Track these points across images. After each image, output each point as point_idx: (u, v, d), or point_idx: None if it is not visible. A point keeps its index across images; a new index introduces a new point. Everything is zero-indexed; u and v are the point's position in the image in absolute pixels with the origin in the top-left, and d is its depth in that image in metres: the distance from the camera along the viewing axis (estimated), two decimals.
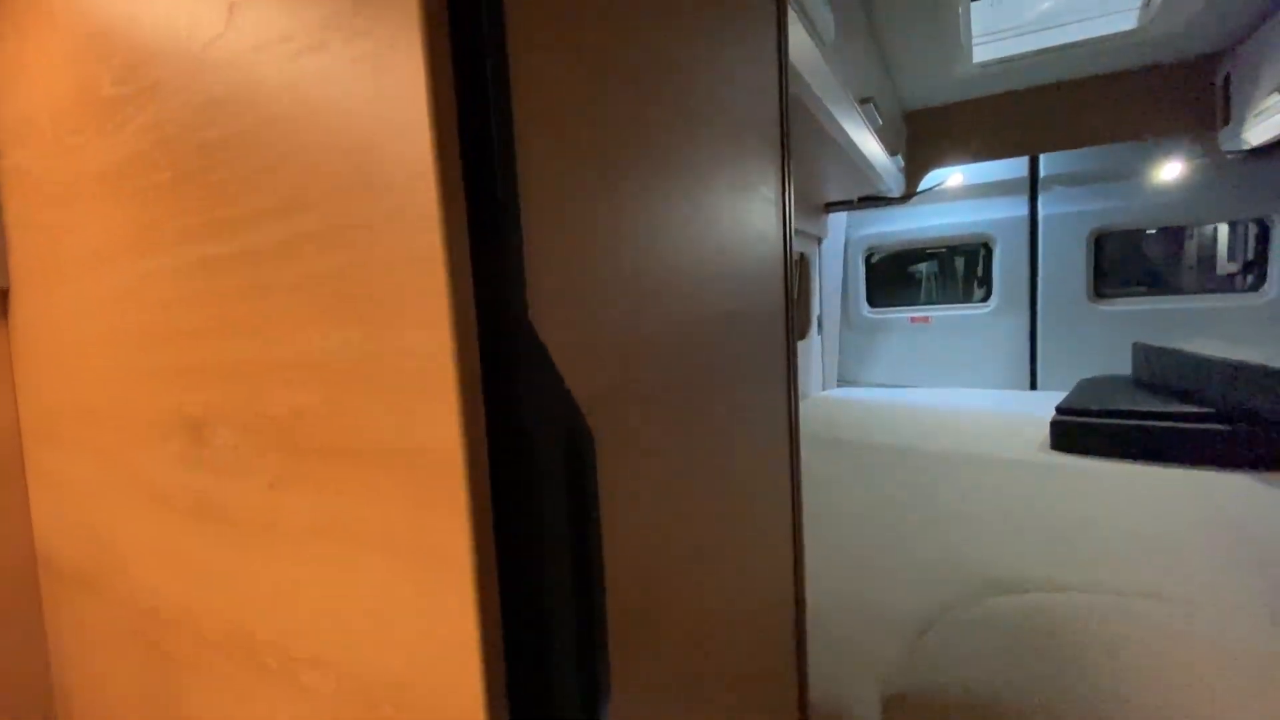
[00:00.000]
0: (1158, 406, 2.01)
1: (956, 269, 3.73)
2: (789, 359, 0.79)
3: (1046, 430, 2.21)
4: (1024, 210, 3.31)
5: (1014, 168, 3.28)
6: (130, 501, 0.48)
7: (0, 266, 0.56)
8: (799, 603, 0.85)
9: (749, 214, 0.62)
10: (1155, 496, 1.63)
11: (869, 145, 2.17)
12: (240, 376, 0.38)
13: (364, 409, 0.33)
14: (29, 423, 0.59)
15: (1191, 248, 3.23)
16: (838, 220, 3.64)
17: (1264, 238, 2.85)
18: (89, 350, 0.49)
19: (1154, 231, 3.14)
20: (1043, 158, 3.22)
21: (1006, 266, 3.38)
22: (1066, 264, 3.22)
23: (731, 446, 0.57)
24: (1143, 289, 3.21)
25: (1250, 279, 2.93)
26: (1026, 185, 3.30)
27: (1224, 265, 3.12)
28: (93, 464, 0.51)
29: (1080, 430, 2.07)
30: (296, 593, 0.38)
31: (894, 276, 3.87)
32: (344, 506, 0.35)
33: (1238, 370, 1.86)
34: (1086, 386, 2.49)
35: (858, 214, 3.69)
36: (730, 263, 0.58)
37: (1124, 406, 2.06)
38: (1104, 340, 3.11)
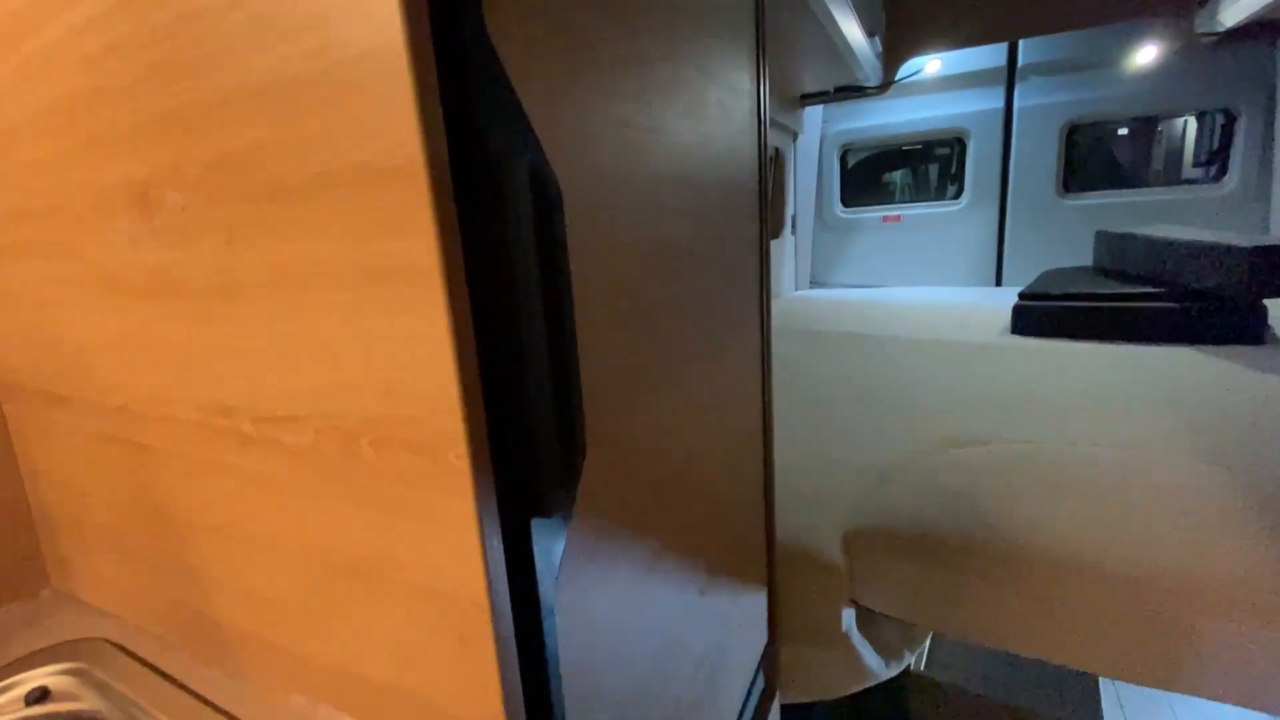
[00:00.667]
0: (1113, 289, 2.07)
1: (930, 168, 3.69)
2: (763, 258, 0.79)
3: (1009, 317, 2.28)
4: (999, 103, 3.25)
5: (992, 56, 3.20)
6: (85, 298, 0.47)
7: None
8: (767, 444, 0.89)
9: (723, 106, 0.60)
10: (1107, 369, 1.71)
11: (848, 24, 2.08)
12: (181, 124, 0.36)
13: (316, 135, 0.32)
14: None
15: (1158, 141, 3.24)
16: (813, 116, 3.54)
17: (1228, 129, 2.86)
18: (16, 141, 0.46)
19: (1124, 131, 3.13)
20: (1022, 46, 3.13)
21: (979, 162, 3.36)
22: (1038, 158, 3.21)
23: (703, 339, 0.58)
24: (1110, 184, 3.23)
25: (1213, 171, 2.97)
26: (1004, 76, 3.23)
27: (1189, 158, 3.14)
28: (40, 267, 0.49)
29: (1040, 314, 2.14)
30: (264, 353, 0.38)
31: (868, 176, 3.82)
32: (305, 249, 0.34)
33: (1188, 249, 1.91)
34: (1049, 275, 2.55)
35: (833, 109, 3.60)
36: (704, 158, 0.56)
37: (1082, 290, 2.12)
38: (1071, 234, 3.16)
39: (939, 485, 1.10)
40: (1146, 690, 1.91)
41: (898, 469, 1.18)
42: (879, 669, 1.02)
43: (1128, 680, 0.86)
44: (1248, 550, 0.86)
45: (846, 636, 0.98)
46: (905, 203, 3.73)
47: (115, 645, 0.53)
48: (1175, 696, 1.89)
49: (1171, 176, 3.12)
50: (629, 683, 0.46)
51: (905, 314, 2.74)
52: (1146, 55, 2.81)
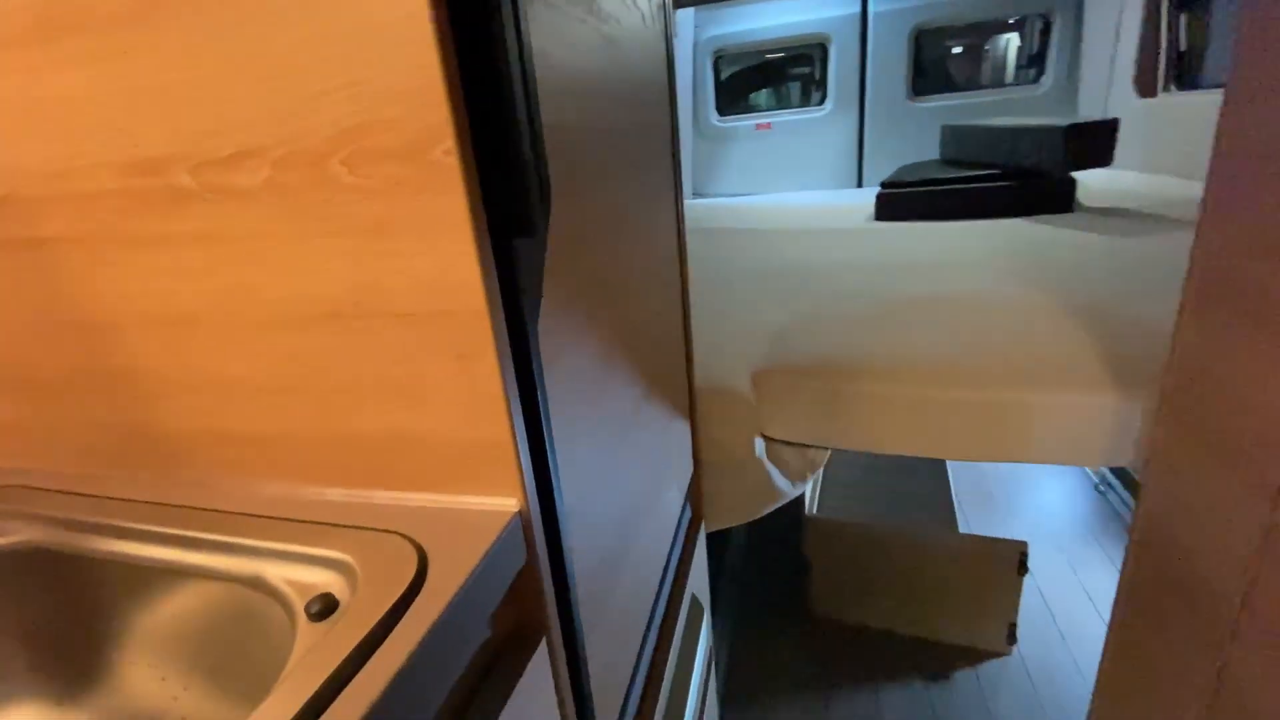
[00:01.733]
0: (958, 174, 2.32)
1: (797, 75, 3.83)
2: (674, 143, 0.80)
3: (873, 207, 2.49)
4: (856, 7, 3.40)
5: None
6: None
7: None
8: (684, 296, 0.95)
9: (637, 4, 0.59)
10: (957, 240, 1.94)
11: None
12: None
13: None
14: None
15: (990, 47, 3.58)
16: (685, 22, 3.52)
17: (1045, 34, 3.21)
18: None
19: (961, 40, 3.42)
20: None
21: (840, 68, 3.53)
22: (891, 64, 3.43)
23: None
24: (950, 88, 3.54)
25: (1033, 73, 3.34)
26: None
27: (1014, 63, 3.51)
28: None
29: (898, 200, 2.36)
30: (199, 83, 0.35)
31: (741, 85, 3.90)
32: None
33: (1015, 134, 2.18)
34: (904, 169, 2.80)
35: (704, 13, 3.59)
36: (634, 52, 0.56)
37: (933, 177, 2.35)
38: (920, 135, 3.45)
39: (826, 330, 1.23)
40: (982, 502, 2.31)
41: (792, 324, 1.29)
42: (787, 489, 1.15)
43: (981, 459, 1.05)
44: (1062, 340, 1.05)
45: (760, 461, 1.10)
46: (775, 110, 3.86)
47: (27, 487, 0.49)
48: (1002, 503, 2.30)
49: (1000, 79, 3.48)
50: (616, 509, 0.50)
51: (782, 212, 2.90)
52: None
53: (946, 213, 2.26)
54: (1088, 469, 2.41)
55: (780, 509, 1.32)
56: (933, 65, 3.44)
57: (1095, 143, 2.03)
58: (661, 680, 0.71)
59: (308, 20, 0.32)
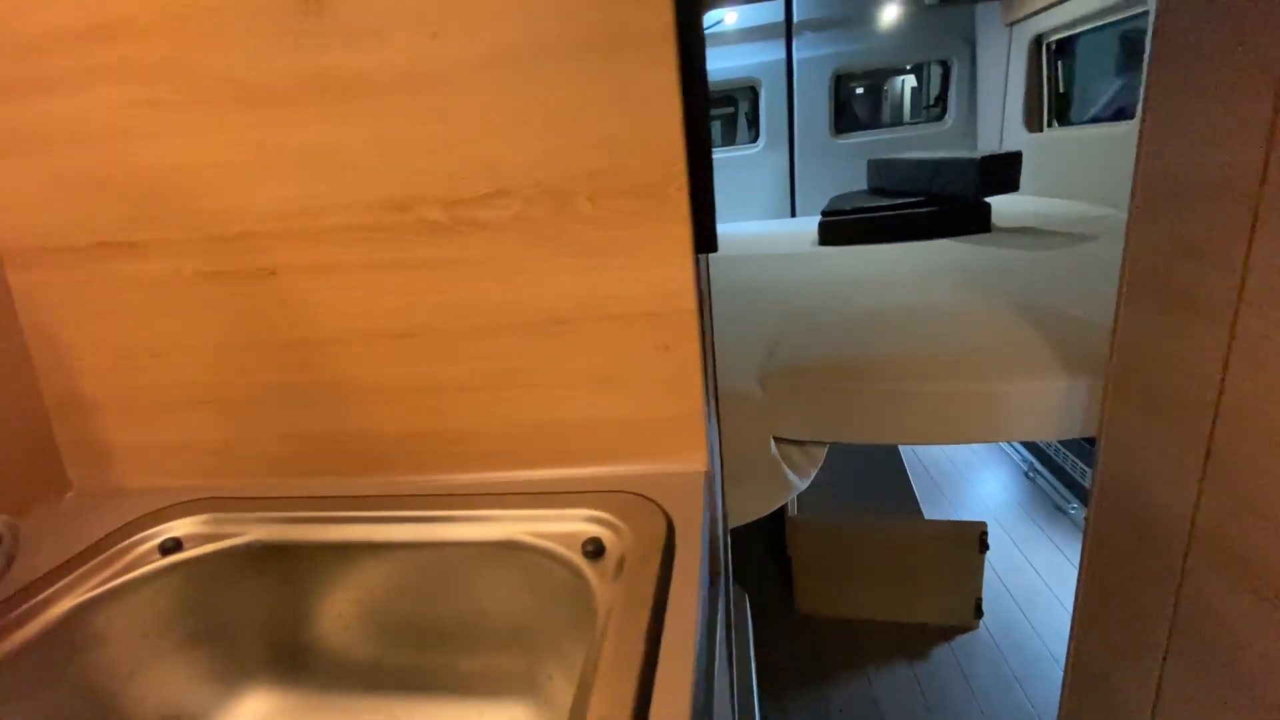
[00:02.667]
0: (889, 202, 2.60)
1: (736, 114, 4.12)
2: None
3: (814, 234, 2.72)
4: (783, 53, 3.73)
5: (775, 12, 3.65)
6: (198, 118, 0.46)
7: None
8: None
9: None
10: (896, 259, 2.17)
11: None
12: None
13: None
14: None
15: (900, 89, 4.00)
16: None
17: (946, 77, 3.64)
18: None
19: (873, 91, 3.82)
20: (795, 4, 3.62)
21: (770, 108, 3.84)
22: (815, 104, 3.77)
23: None
24: (866, 125, 3.91)
25: (938, 111, 3.76)
26: (784, 29, 3.71)
27: (923, 101, 3.93)
28: (125, 92, 0.46)
29: (838, 226, 2.60)
30: (465, 137, 0.44)
31: None
32: (522, 32, 0.41)
33: (935, 165, 2.48)
34: (837, 199, 3.07)
35: None
36: None
37: (867, 205, 2.61)
38: (845, 169, 3.79)
39: (811, 339, 1.38)
40: (930, 493, 2.54)
41: (777, 335, 1.44)
42: (797, 483, 1.27)
43: (962, 442, 1.22)
44: (1013, 337, 1.25)
45: (775, 459, 1.22)
46: (717, 148, 4.13)
47: (216, 499, 0.53)
48: (948, 493, 2.54)
49: (910, 117, 3.89)
50: None
51: (730, 240, 3.11)
52: (890, 14, 3.44)
53: (882, 236, 2.51)
54: (1017, 460, 2.69)
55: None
56: (851, 105, 3.82)
57: (1005, 172, 2.35)
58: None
59: (574, 92, 0.42)
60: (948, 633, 1.96)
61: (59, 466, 0.57)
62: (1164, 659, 0.93)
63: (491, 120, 0.43)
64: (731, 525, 1.26)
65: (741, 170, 3.97)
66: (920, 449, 2.92)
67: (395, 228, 0.46)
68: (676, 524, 0.42)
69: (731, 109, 4.02)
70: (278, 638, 0.49)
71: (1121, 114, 2.82)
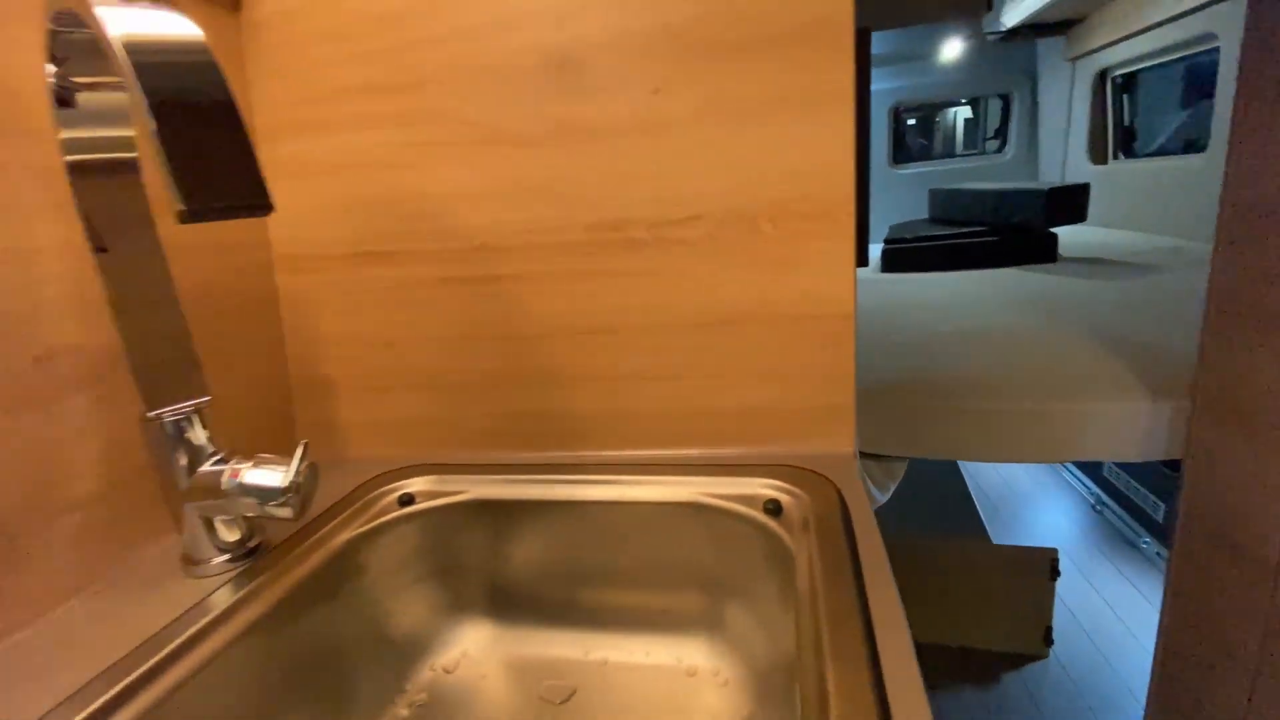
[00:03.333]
0: (952, 231, 2.64)
1: None
2: None
3: (877, 261, 2.78)
4: None
5: None
6: (454, 155, 0.58)
7: None
8: None
9: None
10: (959, 287, 2.21)
11: None
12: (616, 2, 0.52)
13: (747, 10, 0.50)
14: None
15: (958, 121, 4.05)
16: None
17: (1007, 109, 3.68)
18: (396, 24, 0.56)
19: (932, 123, 3.88)
20: None
21: None
22: (873, 136, 3.84)
23: None
24: (924, 156, 3.97)
25: (998, 143, 3.80)
26: None
27: (981, 133, 3.98)
28: (393, 135, 0.59)
29: (902, 254, 2.65)
30: (672, 173, 0.54)
31: None
32: (728, 91, 0.52)
33: (1001, 196, 2.52)
34: (897, 227, 3.12)
35: None
36: None
37: (931, 234, 2.66)
38: (903, 198, 3.84)
39: (886, 358, 1.45)
40: (1000, 518, 2.52)
41: (859, 353, 1.51)
42: (879, 497, 1.33)
43: (1040, 461, 1.26)
44: (1089, 360, 1.29)
45: (857, 468, 1.28)
46: None
47: (438, 464, 0.64)
48: (1011, 523, 2.52)
49: (969, 148, 3.94)
50: None
51: None
52: (951, 50, 3.52)
53: (946, 264, 2.55)
54: (1083, 492, 2.65)
55: None
56: (909, 137, 3.89)
57: (1072, 202, 2.38)
58: None
59: (768, 138, 0.52)
60: (1016, 660, 1.95)
61: (294, 440, 0.69)
62: (1255, 677, 0.95)
63: (695, 158, 0.54)
64: None
65: None
66: (983, 481, 2.90)
67: (606, 244, 0.57)
68: (844, 492, 0.51)
69: None
70: (491, 578, 0.59)
71: (1190, 146, 2.81)
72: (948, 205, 3.01)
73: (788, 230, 0.54)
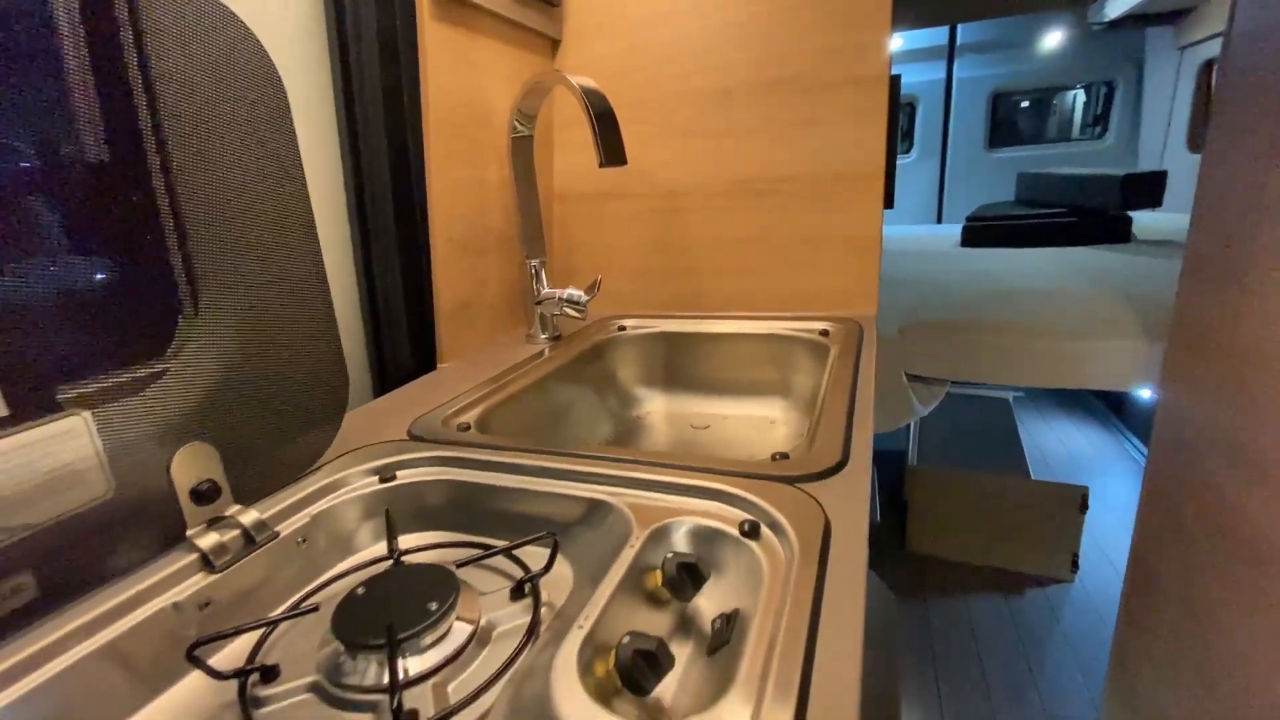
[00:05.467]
0: (1032, 211, 2.88)
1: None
2: None
3: (958, 237, 3.06)
4: (942, 74, 4.03)
5: (937, 36, 3.97)
6: (659, 139, 1.06)
7: None
8: None
9: None
10: (1030, 261, 2.49)
11: None
12: (755, 62, 0.97)
13: (832, 63, 0.94)
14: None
15: (1058, 107, 4.13)
16: None
17: (1109, 96, 3.76)
18: (657, 66, 1.05)
19: (1032, 100, 4.00)
20: (960, 29, 3.91)
21: (926, 123, 4.15)
22: (970, 120, 4.02)
23: None
24: (1022, 141, 4.10)
25: (1097, 130, 3.88)
26: (946, 52, 4.00)
27: (1080, 120, 4.05)
28: (633, 131, 1.08)
29: (980, 230, 2.92)
30: (780, 153, 1.00)
31: None
32: (811, 110, 0.97)
33: (1081, 180, 2.73)
34: (984, 207, 3.36)
35: None
36: None
37: (1011, 213, 2.91)
38: (996, 181, 4.01)
39: (944, 306, 1.82)
40: (1039, 442, 2.79)
41: (919, 302, 1.89)
42: (919, 409, 1.73)
43: (1053, 386, 1.61)
44: (1111, 312, 1.61)
45: (905, 384, 1.69)
46: None
47: (637, 315, 1.14)
48: (1054, 461, 2.79)
49: (1066, 135, 4.02)
50: None
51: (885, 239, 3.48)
52: (1052, 39, 3.65)
53: (1022, 241, 2.80)
54: (1141, 463, 2.86)
55: (888, 461, 1.86)
56: (1007, 121, 4.03)
57: (1148, 188, 2.58)
58: None
59: (833, 137, 0.97)
60: (1044, 581, 2.27)
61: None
62: (1197, 551, 1.30)
63: (792, 147, 0.99)
64: None
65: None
66: (1043, 444, 3.15)
67: (741, 192, 1.04)
68: (864, 328, 0.96)
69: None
70: (665, 370, 1.08)
71: None
72: (1033, 187, 3.20)
73: (844, 186, 0.98)
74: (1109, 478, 2.77)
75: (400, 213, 0.82)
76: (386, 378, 0.85)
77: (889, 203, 0.99)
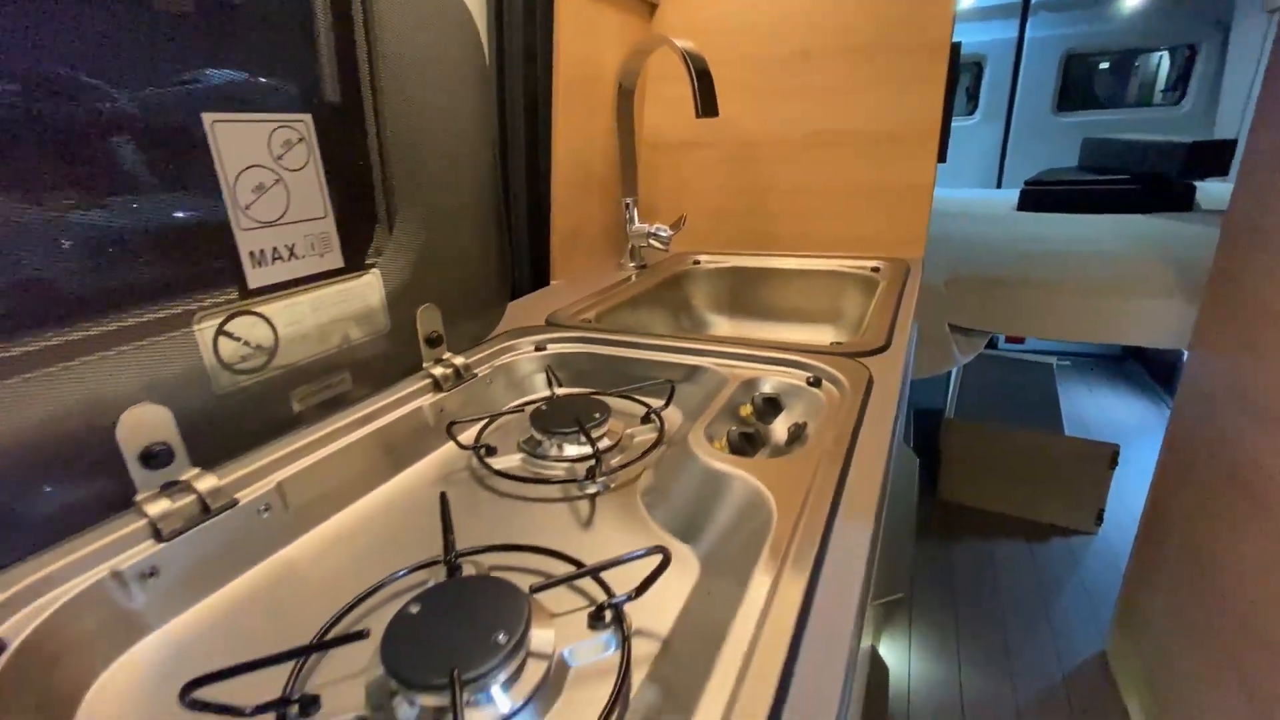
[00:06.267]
0: (1091, 177, 2.88)
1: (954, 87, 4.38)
2: None
3: (1015, 201, 3.08)
4: (1014, 33, 3.94)
5: None
6: (741, 95, 1.21)
7: None
8: None
9: None
10: (1086, 226, 2.52)
11: None
12: (830, 29, 1.11)
13: (895, 35, 1.07)
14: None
15: (1133, 71, 4.00)
16: None
17: (1190, 61, 3.63)
18: (746, 37, 1.20)
19: (1107, 62, 3.87)
20: None
21: (993, 84, 4.08)
22: (1039, 82, 3.94)
23: None
24: (1093, 105, 3.99)
25: (1175, 95, 3.76)
26: (1019, 10, 3.90)
27: (1158, 84, 3.92)
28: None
29: (1038, 194, 2.93)
30: (846, 109, 1.14)
31: None
32: (869, 71, 1.10)
33: (1145, 146, 2.72)
34: (1045, 172, 3.35)
35: None
36: None
37: (1068, 179, 2.92)
38: (1060, 147, 3.95)
39: (989, 262, 1.92)
40: (1079, 408, 2.86)
41: (967, 257, 1.99)
42: (959, 358, 1.86)
43: (1089, 340, 1.72)
44: (1152, 274, 1.70)
45: (947, 333, 1.82)
46: None
47: (711, 252, 1.31)
48: (1093, 399, 2.85)
49: (1141, 100, 3.90)
50: None
51: (936, 201, 3.50)
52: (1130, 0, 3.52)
53: (1081, 207, 2.81)
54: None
55: (924, 412, 1.96)
56: (1079, 84, 3.91)
57: (1215, 156, 2.56)
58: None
59: (897, 97, 1.10)
60: (1068, 533, 2.39)
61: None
62: (1206, 496, 1.41)
63: (860, 105, 1.13)
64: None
65: (952, 139, 4.26)
66: (1082, 410, 3.21)
67: (813, 143, 1.19)
68: (911, 268, 1.11)
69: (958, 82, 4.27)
70: (730, 296, 1.26)
71: None
72: (1097, 153, 3.16)
73: (900, 142, 1.12)
74: (1145, 445, 2.84)
75: (530, 156, 1.00)
76: (514, 287, 1.06)
77: (942, 157, 1.12)
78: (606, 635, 0.37)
